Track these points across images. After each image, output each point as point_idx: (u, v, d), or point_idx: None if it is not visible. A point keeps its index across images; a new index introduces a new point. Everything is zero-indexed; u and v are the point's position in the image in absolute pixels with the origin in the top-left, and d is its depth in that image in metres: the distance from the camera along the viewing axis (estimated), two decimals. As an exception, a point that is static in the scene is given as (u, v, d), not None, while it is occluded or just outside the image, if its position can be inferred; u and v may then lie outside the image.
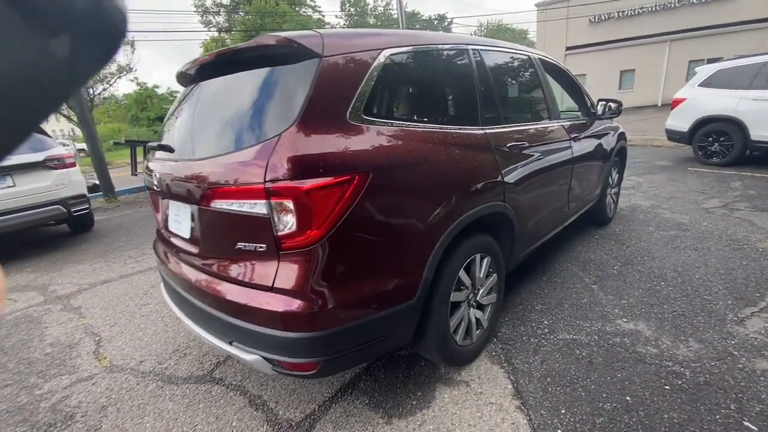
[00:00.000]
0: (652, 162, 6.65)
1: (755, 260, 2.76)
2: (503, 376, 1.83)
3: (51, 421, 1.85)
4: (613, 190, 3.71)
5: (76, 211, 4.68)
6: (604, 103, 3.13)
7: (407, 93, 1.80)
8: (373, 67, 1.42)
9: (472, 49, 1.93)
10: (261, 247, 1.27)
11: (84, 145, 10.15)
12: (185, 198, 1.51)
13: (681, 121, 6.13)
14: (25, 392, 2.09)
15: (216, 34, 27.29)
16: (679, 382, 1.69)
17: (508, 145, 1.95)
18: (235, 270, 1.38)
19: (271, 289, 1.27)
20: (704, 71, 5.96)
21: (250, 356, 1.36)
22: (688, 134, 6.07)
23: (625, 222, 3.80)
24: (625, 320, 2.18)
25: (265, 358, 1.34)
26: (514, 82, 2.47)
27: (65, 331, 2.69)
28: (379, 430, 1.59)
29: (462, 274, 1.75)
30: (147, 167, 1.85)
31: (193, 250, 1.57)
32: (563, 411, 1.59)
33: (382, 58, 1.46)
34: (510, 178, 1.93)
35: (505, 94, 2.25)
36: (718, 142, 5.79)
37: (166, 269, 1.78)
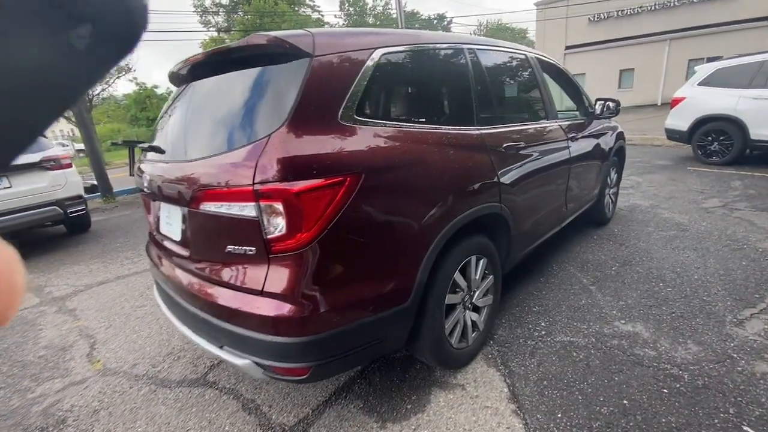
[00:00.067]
0: (652, 161, 6.63)
1: (755, 261, 2.74)
2: (499, 379, 1.81)
3: (43, 426, 1.83)
4: (611, 190, 3.68)
5: (72, 212, 4.66)
6: (603, 102, 3.10)
7: (401, 93, 1.78)
8: (365, 66, 1.40)
9: (468, 49, 1.90)
10: (251, 251, 1.25)
11: (83, 146, 10.13)
12: (176, 200, 1.49)
13: (680, 120, 6.11)
14: (18, 396, 2.07)
15: (215, 34, 27.26)
16: (678, 386, 1.66)
17: (504, 145, 1.92)
18: (225, 273, 1.36)
19: (261, 293, 1.24)
20: (704, 70, 5.94)
21: (240, 361, 1.34)
22: (688, 133, 6.05)
23: (624, 222, 3.78)
24: (623, 322, 2.16)
25: (255, 362, 1.32)
26: (510, 81, 2.45)
27: (59, 334, 2.67)
28: (373, 434, 1.57)
29: (457, 276, 1.72)
30: (138, 168, 1.83)
31: (184, 252, 1.55)
32: (559, 415, 1.57)
33: (375, 57, 1.44)
34: (506, 179, 1.90)
35: (501, 93, 2.23)
36: (717, 142, 5.77)
37: (158, 272, 1.76)
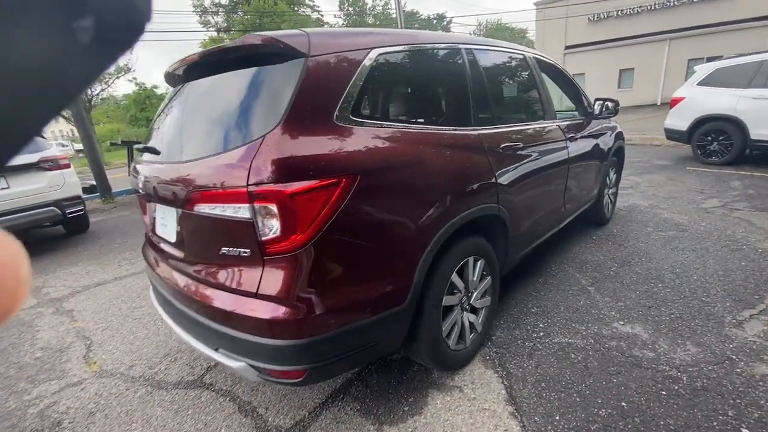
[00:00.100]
0: (651, 161, 6.62)
1: (754, 261, 2.73)
2: (497, 381, 1.80)
3: (38, 428, 1.82)
4: (610, 191, 3.67)
5: (70, 213, 4.65)
6: (601, 102, 3.09)
7: (397, 93, 1.77)
8: (361, 67, 1.39)
9: (465, 49, 1.89)
10: (245, 252, 1.24)
11: (82, 146, 10.12)
12: (171, 201, 1.48)
13: (680, 120, 6.10)
14: (14, 397, 2.06)
15: (215, 34, 27.24)
16: (676, 388, 1.65)
17: (501, 146, 1.91)
18: (219, 275, 1.35)
19: (256, 295, 1.24)
20: (703, 70, 5.93)
21: (235, 363, 1.33)
22: (687, 133, 6.04)
23: (623, 222, 3.77)
24: (622, 323, 2.15)
25: (251, 365, 1.31)
26: (508, 81, 2.44)
27: (56, 335, 2.66)
28: (370, 437, 1.56)
29: (455, 277, 1.71)
30: (134, 169, 1.82)
31: (179, 254, 1.54)
32: (557, 417, 1.56)
33: (371, 57, 1.43)
34: (504, 180, 1.89)
35: (498, 94, 2.22)
36: (717, 141, 5.76)
37: (154, 273, 1.75)
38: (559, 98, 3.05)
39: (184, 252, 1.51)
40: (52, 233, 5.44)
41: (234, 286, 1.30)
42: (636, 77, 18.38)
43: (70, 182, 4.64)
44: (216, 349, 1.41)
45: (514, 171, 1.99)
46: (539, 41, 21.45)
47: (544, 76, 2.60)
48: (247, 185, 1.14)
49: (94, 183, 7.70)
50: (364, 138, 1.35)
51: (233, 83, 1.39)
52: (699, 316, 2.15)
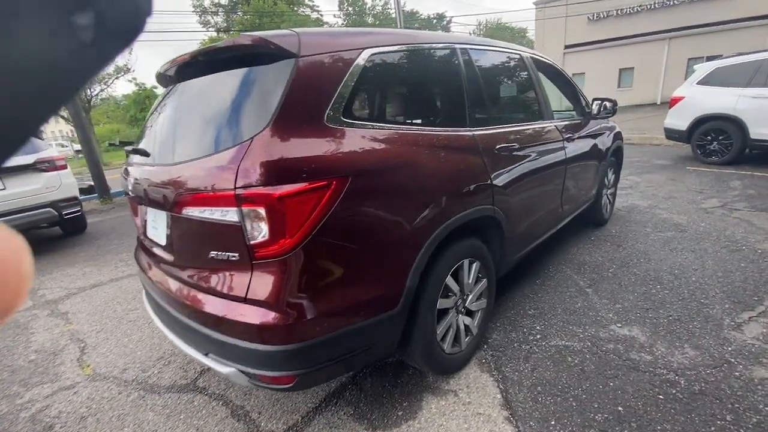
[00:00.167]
0: (651, 161, 6.59)
1: (754, 262, 2.71)
2: (492, 384, 1.78)
3: (30, 432, 1.80)
4: (609, 191, 3.65)
5: (67, 214, 4.63)
6: (600, 102, 3.07)
7: (390, 94, 1.75)
8: (353, 67, 1.37)
9: (460, 49, 1.87)
10: (234, 256, 1.22)
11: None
12: (160, 204, 1.46)
13: (679, 119, 6.07)
14: (7, 401, 2.04)
15: (214, 34, 27.21)
16: (674, 392, 1.63)
17: (497, 146, 1.89)
18: (208, 279, 1.33)
19: (245, 300, 1.22)
20: (703, 69, 5.90)
21: (225, 369, 1.31)
22: (687, 133, 6.01)
23: (622, 223, 3.75)
24: (619, 325, 2.12)
25: (241, 370, 1.29)
26: (504, 81, 2.42)
27: (51, 338, 2.64)
28: (363, 442, 1.54)
29: (449, 280, 1.69)
30: (125, 171, 1.80)
31: (170, 257, 1.52)
32: (553, 422, 1.54)
33: (363, 58, 1.41)
34: (499, 181, 1.87)
35: (494, 94, 2.20)
36: (716, 141, 5.73)
37: (145, 277, 1.73)
38: (557, 98, 3.03)
39: (174, 255, 1.50)
40: (49, 234, 5.42)
41: (223, 290, 1.28)
42: (636, 77, 18.35)
43: (66, 183, 4.62)
44: (206, 354, 1.39)
45: (510, 172, 1.97)
46: (539, 41, 21.42)
47: (541, 76, 2.58)
48: (235, 188, 1.12)
49: (93, 184, 7.69)
50: (356, 139, 1.33)
51: (223, 84, 1.37)
52: (697, 318, 2.13)
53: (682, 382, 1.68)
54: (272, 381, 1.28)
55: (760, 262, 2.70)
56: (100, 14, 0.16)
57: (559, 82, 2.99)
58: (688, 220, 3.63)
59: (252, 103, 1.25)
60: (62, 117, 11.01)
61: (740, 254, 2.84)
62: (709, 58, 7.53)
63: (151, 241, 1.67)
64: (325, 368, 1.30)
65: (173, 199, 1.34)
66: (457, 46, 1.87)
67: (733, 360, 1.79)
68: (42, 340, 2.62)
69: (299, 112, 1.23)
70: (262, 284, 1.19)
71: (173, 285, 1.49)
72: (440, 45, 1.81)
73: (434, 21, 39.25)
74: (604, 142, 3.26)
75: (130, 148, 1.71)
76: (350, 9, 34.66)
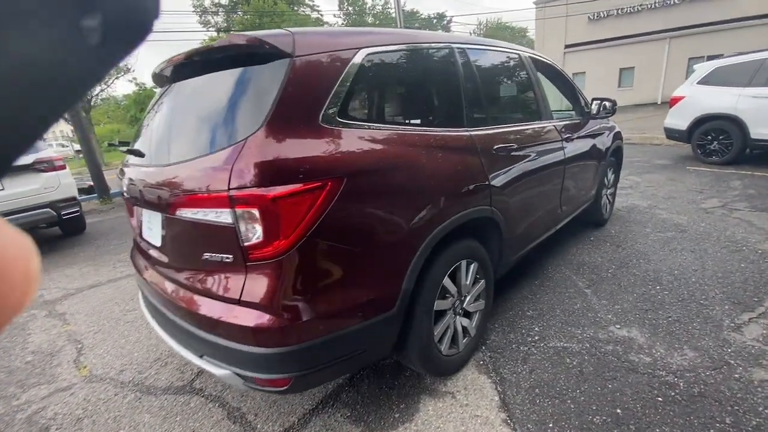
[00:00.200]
0: (651, 161, 6.57)
1: (754, 263, 2.69)
2: (490, 386, 1.77)
3: (25, 434, 1.80)
4: (608, 191, 3.64)
5: (66, 214, 4.63)
6: (599, 102, 3.05)
7: (387, 94, 1.73)
8: (349, 67, 1.36)
9: (458, 48, 1.86)
10: (228, 258, 1.21)
11: (80, 147, 10.08)
12: (155, 205, 1.45)
13: (679, 119, 6.05)
14: (3, 402, 2.03)
15: (215, 34, 27.20)
16: (672, 394, 1.62)
17: (494, 147, 1.88)
18: (203, 281, 1.32)
19: (239, 302, 1.20)
20: (703, 68, 5.88)
21: (220, 371, 1.30)
22: (687, 132, 5.99)
23: (622, 223, 3.73)
24: (618, 327, 2.11)
25: (235, 373, 1.28)
26: (502, 81, 2.40)
27: (48, 339, 2.64)
28: (360, 445, 1.53)
29: (447, 281, 1.68)
30: (120, 171, 1.79)
31: (164, 259, 1.51)
32: (551, 425, 1.52)
33: (359, 57, 1.40)
34: (497, 182, 1.86)
35: (492, 94, 2.19)
36: (717, 141, 5.71)
37: (141, 278, 1.73)
38: (556, 98, 3.01)
39: (169, 257, 1.49)
40: (48, 235, 5.42)
41: (217, 292, 1.27)
42: (636, 76, 18.32)
43: (65, 183, 4.62)
44: (201, 356, 1.38)
45: (508, 173, 1.96)
46: (539, 40, 21.39)
47: (540, 75, 2.57)
48: (229, 189, 1.11)
49: (92, 184, 7.68)
50: (351, 140, 1.31)
51: (218, 84, 1.36)
52: (697, 319, 2.12)
53: (681, 384, 1.67)
54: (267, 384, 1.27)
55: (760, 262, 2.69)
56: (108, 16, 0.16)
57: (558, 82, 2.98)
58: (688, 221, 3.61)
59: (246, 104, 1.24)
60: (63, 117, 11.02)
61: (740, 255, 2.83)
62: (710, 58, 7.50)
63: (146, 242, 1.66)
64: (320, 371, 1.29)
65: (167, 200, 1.33)
66: (454, 45, 1.86)
67: (732, 362, 1.78)
68: (39, 341, 2.61)
69: (294, 112, 1.21)
70: (257, 286, 1.18)
71: (168, 286, 1.48)
72: (437, 45, 1.80)
73: (434, 21, 39.23)
74: (604, 142, 3.24)
75: (124, 148, 1.69)
76: (350, 9, 34.64)
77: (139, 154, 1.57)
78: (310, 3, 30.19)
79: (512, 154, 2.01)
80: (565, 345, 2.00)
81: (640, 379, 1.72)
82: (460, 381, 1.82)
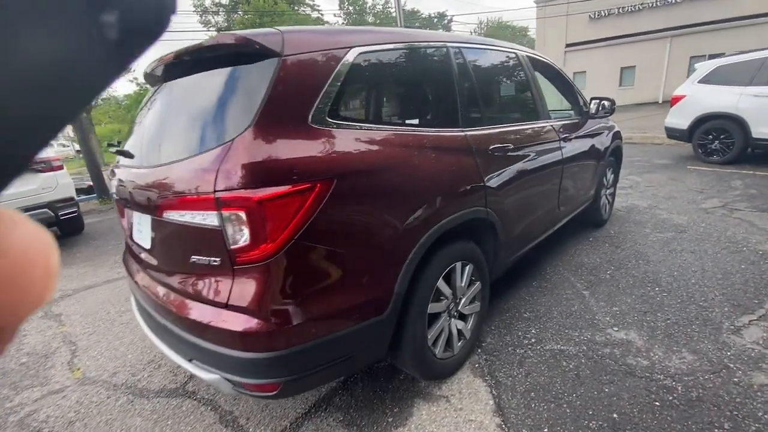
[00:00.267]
0: (651, 160, 6.53)
1: (754, 263, 2.66)
2: (485, 390, 1.74)
3: (16, 437, 1.78)
4: (608, 191, 3.60)
5: (63, 215, 4.62)
6: (598, 101, 3.02)
7: (379, 94, 1.71)
8: (340, 66, 1.33)
9: (452, 47, 1.83)
10: (215, 261, 1.19)
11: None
12: (144, 207, 1.43)
13: (680, 118, 6.01)
14: (-4, 405, 2.02)
15: (215, 33, 27.20)
16: (670, 398, 1.59)
17: (490, 147, 1.85)
18: (191, 285, 1.30)
19: (227, 306, 1.18)
20: (704, 67, 5.83)
21: (209, 375, 1.28)
22: (688, 132, 5.95)
23: (621, 223, 3.70)
24: (616, 329, 2.08)
25: (224, 378, 1.26)
26: (498, 81, 2.38)
27: (43, 340, 2.62)
28: (352, 449, 1.51)
29: (441, 283, 1.66)
30: (111, 172, 1.78)
31: (154, 261, 1.50)
32: (546, 430, 1.50)
33: (350, 56, 1.37)
34: (493, 183, 1.83)
35: (488, 94, 2.16)
36: (718, 140, 5.67)
37: (132, 281, 1.71)
38: (555, 98, 2.98)
39: (158, 259, 1.47)
40: (46, 235, 5.40)
41: (205, 296, 1.25)
42: (637, 75, 18.24)
43: (63, 184, 4.61)
44: (190, 360, 1.36)
45: (504, 173, 1.93)
46: (540, 39, 21.32)
47: (537, 75, 2.54)
48: (215, 191, 1.09)
49: (92, 184, 7.68)
50: (342, 141, 1.29)
51: (207, 84, 1.34)
52: (696, 321, 2.09)
53: (680, 388, 1.64)
54: (256, 388, 1.25)
55: (761, 263, 2.66)
56: (125, 13, 0.16)
57: (557, 82, 2.95)
58: (688, 221, 3.58)
59: (234, 104, 1.22)
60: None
61: (741, 255, 2.80)
62: (711, 57, 7.46)
63: (137, 244, 1.64)
64: (310, 375, 1.27)
65: (155, 202, 1.31)
66: (449, 44, 1.83)
67: (732, 365, 1.75)
68: (34, 343, 2.60)
69: (283, 112, 1.19)
70: (244, 290, 1.16)
71: (157, 289, 1.47)
72: (431, 44, 1.77)
73: (435, 20, 39.15)
74: (603, 141, 3.21)
75: (115, 149, 1.68)
76: (350, 8, 34.59)
77: (129, 155, 1.55)
78: (311, 2, 30.15)
79: (508, 154, 1.99)
80: (562, 348, 1.97)
81: (638, 382, 1.70)
82: (455, 384, 1.80)
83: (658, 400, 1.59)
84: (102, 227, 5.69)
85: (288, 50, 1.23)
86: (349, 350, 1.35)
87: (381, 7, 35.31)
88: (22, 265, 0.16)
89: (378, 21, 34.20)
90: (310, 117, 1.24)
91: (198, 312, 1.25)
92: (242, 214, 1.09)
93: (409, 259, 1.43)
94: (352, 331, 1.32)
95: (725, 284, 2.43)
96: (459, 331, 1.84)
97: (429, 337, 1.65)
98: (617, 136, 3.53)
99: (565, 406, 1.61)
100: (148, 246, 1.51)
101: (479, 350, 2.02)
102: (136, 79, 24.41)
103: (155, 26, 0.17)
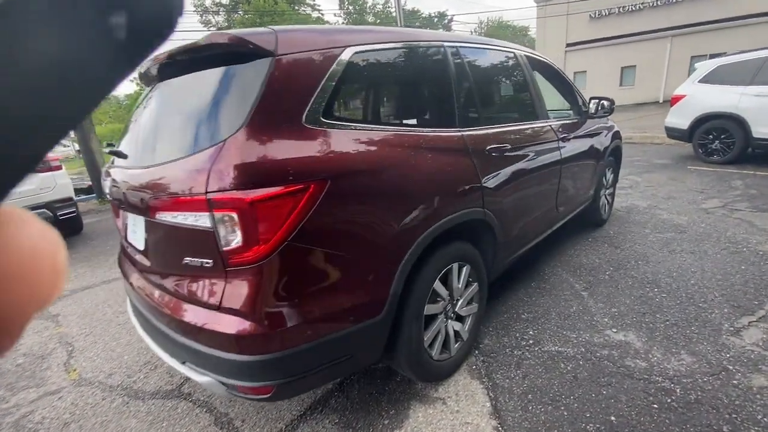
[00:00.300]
0: (651, 160, 6.51)
1: (754, 264, 2.65)
2: (482, 392, 1.73)
3: (11, 439, 1.77)
4: (607, 191, 3.59)
5: (62, 215, 4.61)
6: (597, 101, 3.01)
7: (374, 94, 1.70)
8: (334, 65, 1.32)
9: (449, 47, 1.82)
10: (207, 263, 1.17)
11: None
12: (137, 208, 1.42)
13: (681, 118, 5.99)
14: (-9, 406, 2.01)
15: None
16: (669, 400, 1.58)
17: (487, 147, 1.84)
18: (183, 286, 1.29)
19: (219, 308, 1.17)
20: (705, 67, 5.81)
21: (202, 378, 1.27)
22: (688, 132, 5.93)
23: (621, 223, 3.69)
24: (615, 330, 2.07)
25: (217, 380, 1.25)
26: (496, 80, 2.36)
27: (39, 341, 2.61)
28: (347, 452, 1.50)
29: (438, 285, 1.65)
30: (106, 173, 1.76)
31: (147, 263, 1.48)
32: (543, 433, 1.49)
33: (345, 56, 1.36)
34: (490, 183, 1.82)
35: (485, 93, 2.14)
36: (718, 140, 5.64)
37: (127, 282, 1.70)
38: (553, 98, 2.97)
39: (151, 261, 1.46)
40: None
41: (198, 298, 1.24)
42: (638, 75, 18.21)
43: (61, 184, 4.60)
44: (183, 363, 1.35)
45: (502, 174, 1.92)
46: (540, 39, 21.29)
47: (536, 74, 2.52)
48: (207, 192, 1.08)
49: (91, 184, 7.68)
50: (336, 141, 1.28)
51: (200, 84, 1.33)
52: (695, 323, 2.07)
53: (678, 390, 1.63)
54: (249, 391, 1.24)
55: (761, 264, 2.64)
56: (134, 13, 0.16)
57: (556, 82, 2.93)
58: (688, 221, 3.56)
59: (227, 104, 1.21)
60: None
61: (741, 256, 2.78)
62: (712, 56, 7.43)
63: (131, 245, 1.63)
64: (304, 378, 1.26)
65: (148, 202, 1.30)
66: (446, 44, 1.82)
67: (731, 367, 1.73)
68: (31, 343, 2.59)
69: (276, 112, 1.18)
70: (237, 292, 1.15)
71: (151, 291, 1.46)
72: (428, 43, 1.76)
73: (435, 20, 39.12)
74: (602, 141, 3.20)
75: (108, 150, 1.67)
76: (351, 8, 34.57)
77: (122, 155, 1.54)
78: (311, 2, 30.16)
79: (506, 154, 1.97)
80: (559, 349, 1.96)
81: (636, 385, 1.68)
82: (452, 386, 1.78)
83: (656, 402, 1.58)
84: (100, 227, 5.68)
85: (282, 50, 1.21)
86: (344, 352, 1.33)
87: (381, 6, 35.29)
88: (30, 263, 0.16)
89: (378, 21, 34.17)
90: (304, 117, 1.23)
91: (191, 314, 1.24)
92: (234, 216, 1.08)
93: (404, 261, 1.42)
94: (347, 333, 1.31)
95: (725, 285, 2.42)
96: (456, 333, 1.83)
97: (425, 338, 1.63)
98: (617, 135, 3.52)
99: (562, 408, 1.59)
100: (141, 247, 1.50)
101: (476, 352, 2.01)
102: (136, 78, 24.45)
103: (163, 27, 0.18)
